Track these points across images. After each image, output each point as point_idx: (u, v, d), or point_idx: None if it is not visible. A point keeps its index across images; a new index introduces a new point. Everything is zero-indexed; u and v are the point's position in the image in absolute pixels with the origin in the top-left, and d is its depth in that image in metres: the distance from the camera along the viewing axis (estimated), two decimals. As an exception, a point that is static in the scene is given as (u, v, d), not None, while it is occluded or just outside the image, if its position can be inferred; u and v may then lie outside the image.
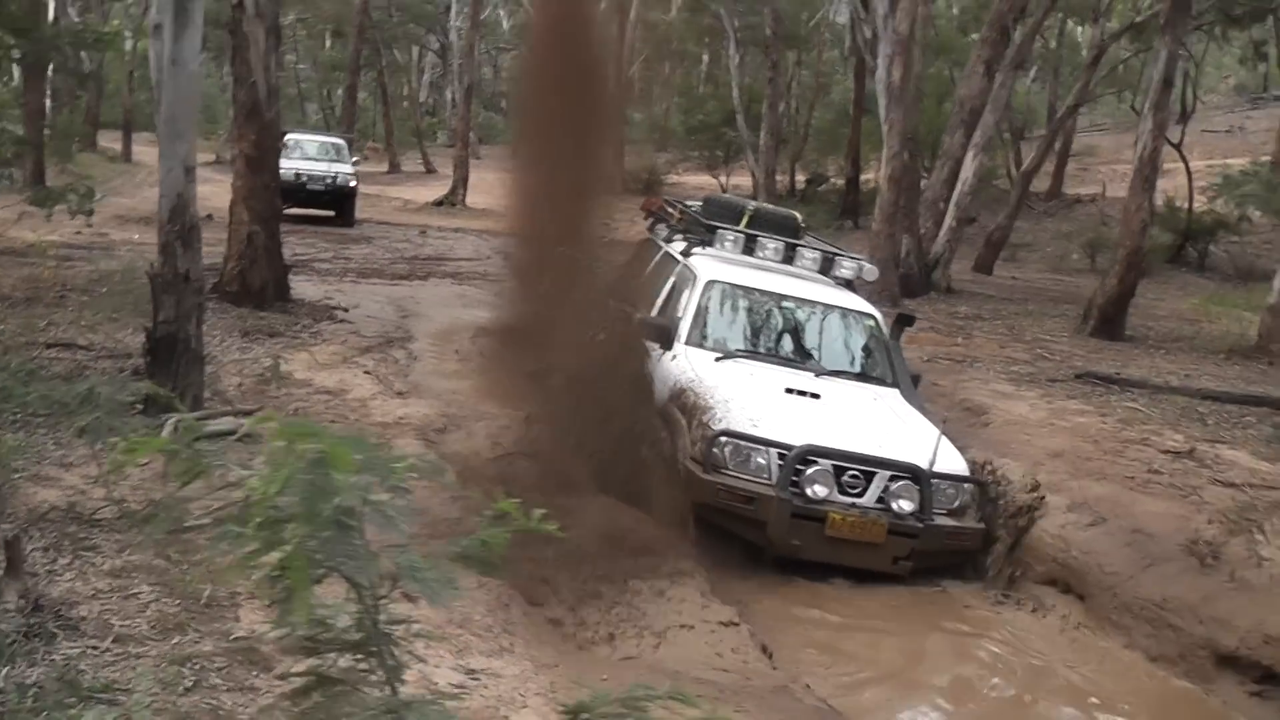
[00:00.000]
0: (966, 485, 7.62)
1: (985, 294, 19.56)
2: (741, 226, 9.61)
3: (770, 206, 11.86)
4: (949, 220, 19.33)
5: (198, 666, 3.92)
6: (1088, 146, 34.81)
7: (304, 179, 22.64)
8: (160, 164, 7.54)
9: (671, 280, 9.33)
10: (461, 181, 30.53)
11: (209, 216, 13.33)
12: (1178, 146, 24.33)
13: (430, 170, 41.18)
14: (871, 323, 9.08)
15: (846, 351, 8.95)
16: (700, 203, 10.75)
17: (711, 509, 7.25)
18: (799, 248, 9.44)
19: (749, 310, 8.90)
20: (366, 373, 9.69)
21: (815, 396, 8.04)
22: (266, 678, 3.86)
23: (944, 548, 7.45)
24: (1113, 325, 15.88)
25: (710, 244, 9.33)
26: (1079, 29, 33.89)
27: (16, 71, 18.89)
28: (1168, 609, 6.60)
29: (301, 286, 13.39)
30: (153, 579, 4.64)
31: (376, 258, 18.77)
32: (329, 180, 23.16)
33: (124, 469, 5.49)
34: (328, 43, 52.32)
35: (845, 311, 9.07)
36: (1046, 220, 29.05)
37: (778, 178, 31.34)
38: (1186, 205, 24.53)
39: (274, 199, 12.82)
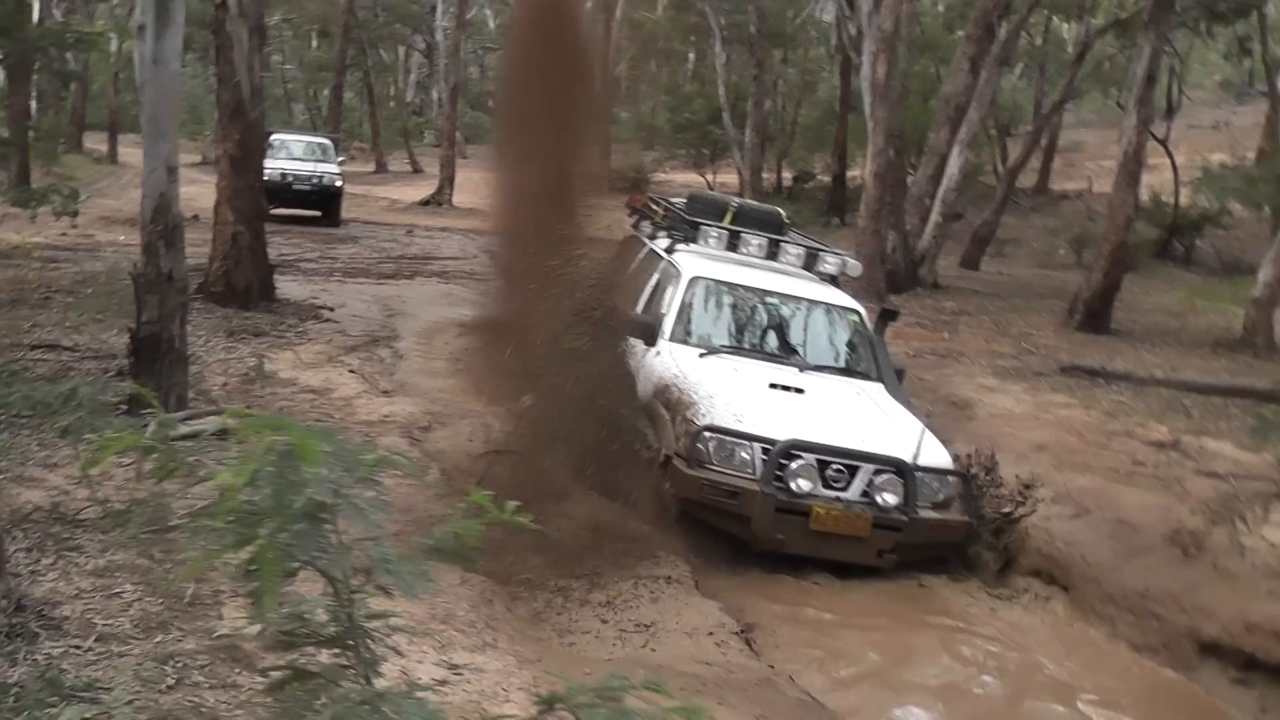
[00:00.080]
0: (951, 478, 7.64)
1: (971, 289, 19.62)
2: (725, 223, 9.63)
3: (754, 203, 11.89)
4: (935, 216, 19.39)
5: (180, 664, 3.93)
6: (1074, 142, 34.93)
7: (290, 179, 22.63)
8: (143, 164, 7.54)
9: (655, 277, 9.34)
10: (448, 181, 30.52)
11: (195, 217, 13.36)
12: (1163, 142, 24.44)
13: (417, 170, 41.17)
14: (855, 318, 9.09)
15: (830, 347, 8.95)
16: (684, 200, 10.76)
17: (696, 504, 7.25)
18: (782, 243, 9.46)
19: (733, 306, 8.90)
20: (352, 371, 9.70)
21: (799, 391, 8.05)
22: (249, 675, 3.87)
23: (929, 541, 7.45)
24: (1098, 319, 15.97)
25: (694, 240, 9.35)
26: (1064, 25, 33.94)
27: (1, 73, 18.81)
28: (1151, 599, 6.63)
29: (287, 286, 13.39)
30: (136, 578, 4.65)
31: (363, 257, 18.78)
32: (315, 180, 23.15)
33: (107, 469, 5.51)
34: (314, 43, 52.26)
35: (829, 307, 9.07)
36: (1033, 216, 29.13)
37: (765, 175, 31.42)
38: (1172, 200, 24.62)
39: (258, 199, 12.82)
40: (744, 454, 7.30)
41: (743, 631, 6.08)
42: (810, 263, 9.43)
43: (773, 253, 9.38)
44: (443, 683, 4.11)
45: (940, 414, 9.74)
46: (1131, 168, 16.23)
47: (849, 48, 22.75)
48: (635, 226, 10.73)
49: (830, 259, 9.50)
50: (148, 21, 7.28)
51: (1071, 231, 25.63)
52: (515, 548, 5.70)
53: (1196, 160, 24.02)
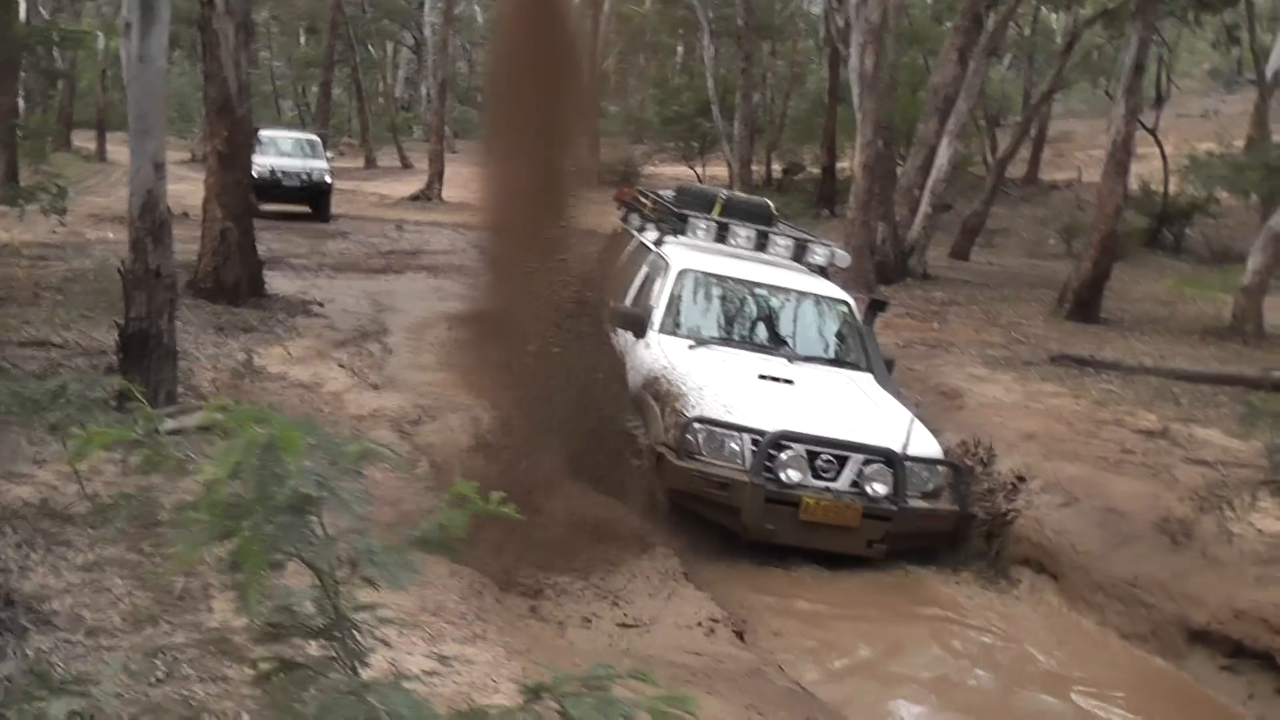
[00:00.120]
0: (940, 468, 7.66)
1: (961, 279, 19.66)
2: (714, 215, 9.64)
3: (742, 195, 11.89)
4: (924, 207, 19.41)
5: (170, 658, 3.93)
6: (1063, 132, 35.02)
7: (279, 175, 22.61)
8: (130, 161, 7.53)
9: (644, 269, 9.35)
10: (437, 176, 30.47)
11: (184, 214, 13.34)
12: (1152, 131, 24.47)
13: (406, 165, 41.10)
14: (844, 309, 9.11)
15: (820, 337, 8.97)
16: (673, 192, 10.77)
17: (685, 495, 7.27)
18: (771, 235, 9.47)
19: (722, 298, 8.92)
20: (341, 366, 9.70)
21: (789, 382, 8.06)
22: (238, 668, 3.87)
23: (918, 530, 7.46)
24: (1088, 308, 16.01)
25: (683, 233, 9.35)
26: (1052, 16, 33.94)
27: (-11, 71, 18.77)
28: (1140, 587, 6.66)
29: (277, 282, 13.38)
30: (125, 572, 4.65)
31: (352, 252, 18.77)
32: (304, 176, 23.12)
33: (96, 464, 5.51)
34: (302, 39, 52.17)
35: (818, 298, 9.09)
36: (1023, 206, 29.19)
37: (754, 167, 31.43)
38: (1162, 189, 24.68)
39: (247, 195, 12.81)
40: (733, 445, 7.32)
41: (732, 622, 6.08)
42: (799, 254, 9.43)
43: (761, 244, 9.39)
44: (432, 674, 4.11)
45: (930, 404, 9.77)
46: (1120, 157, 16.27)
47: (837, 40, 22.81)
48: (624, 219, 10.73)
49: (819, 250, 9.50)
50: (133, 19, 7.26)
51: (1061, 221, 25.70)
52: (508, 543, 5.70)
53: (1185, 149, 24.09)
